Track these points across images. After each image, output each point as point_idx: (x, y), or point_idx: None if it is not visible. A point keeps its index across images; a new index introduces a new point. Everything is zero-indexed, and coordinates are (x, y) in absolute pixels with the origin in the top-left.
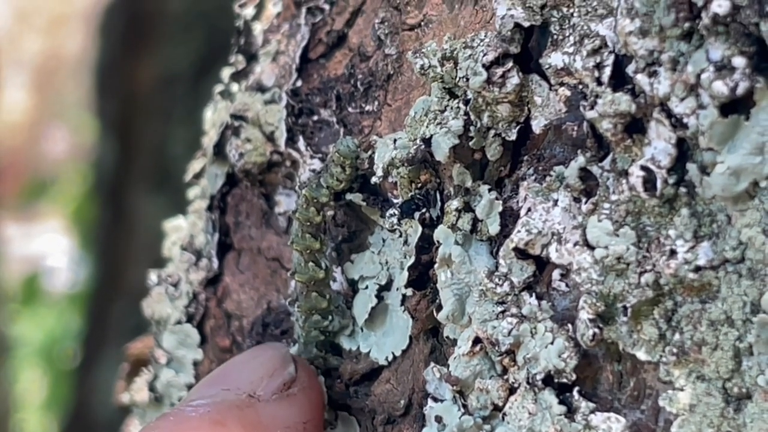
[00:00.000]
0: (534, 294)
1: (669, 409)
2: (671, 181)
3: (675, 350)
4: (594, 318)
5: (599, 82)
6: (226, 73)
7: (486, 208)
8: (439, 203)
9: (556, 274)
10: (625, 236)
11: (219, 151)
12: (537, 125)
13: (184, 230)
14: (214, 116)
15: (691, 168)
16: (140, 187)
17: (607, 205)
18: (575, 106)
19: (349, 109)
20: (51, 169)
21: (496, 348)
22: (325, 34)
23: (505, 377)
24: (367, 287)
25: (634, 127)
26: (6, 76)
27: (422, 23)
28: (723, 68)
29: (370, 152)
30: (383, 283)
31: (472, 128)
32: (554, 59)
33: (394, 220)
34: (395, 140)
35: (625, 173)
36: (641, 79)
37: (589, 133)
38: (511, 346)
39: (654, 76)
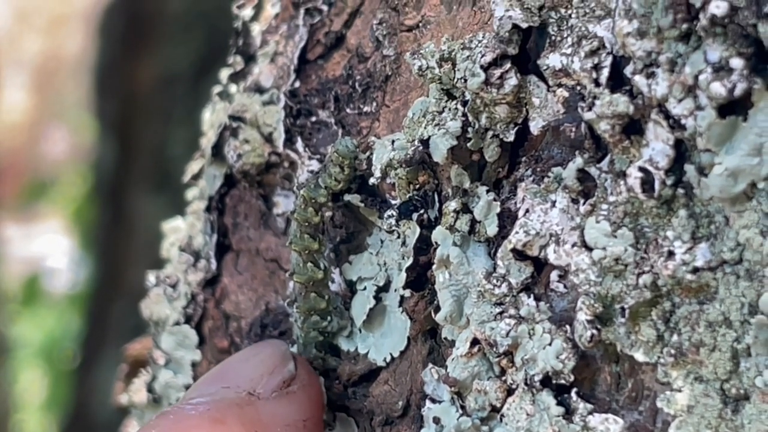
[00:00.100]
0: (532, 295)
1: (667, 410)
2: (669, 182)
3: (673, 351)
4: (592, 319)
5: (597, 84)
6: (224, 74)
7: (484, 209)
8: (437, 204)
9: (554, 275)
10: (623, 237)
11: (217, 152)
12: (535, 126)
13: (182, 231)
14: (212, 117)
15: (689, 169)
16: (140, 188)
17: (605, 206)
18: (573, 107)
19: (348, 110)
20: (51, 170)
21: (494, 349)
22: (323, 35)
23: (503, 378)
24: (365, 288)
25: (632, 128)
26: (6, 77)
27: (420, 24)
28: (721, 69)
29: (368, 153)
30: (381, 284)
31: (470, 129)
32: (552, 60)
33: (392, 221)
34: (393, 141)
35: (623, 174)
36: (639, 80)
37: (587, 134)
38: (509, 347)
39: (652, 77)
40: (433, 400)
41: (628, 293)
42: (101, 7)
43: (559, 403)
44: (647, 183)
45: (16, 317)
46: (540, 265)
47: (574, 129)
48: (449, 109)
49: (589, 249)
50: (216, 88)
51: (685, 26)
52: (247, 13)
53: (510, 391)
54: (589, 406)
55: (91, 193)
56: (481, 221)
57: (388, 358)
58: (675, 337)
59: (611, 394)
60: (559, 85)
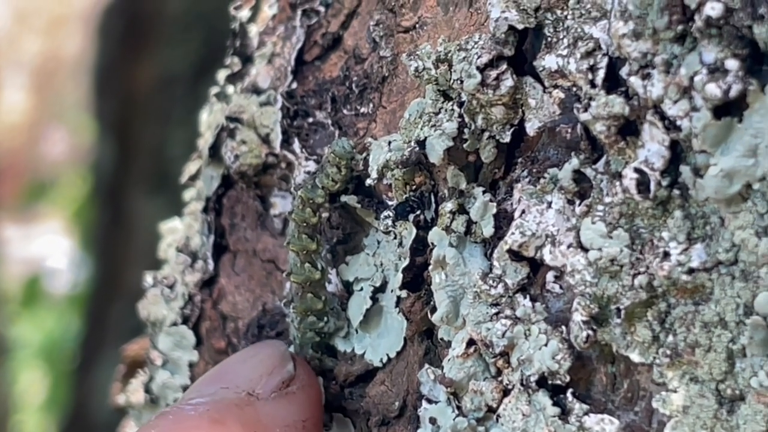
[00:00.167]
0: (528, 296)
1: (662, 411)
2: (665, 183)
3: (668, 352)
4: (588, 320)
5: (593, 85)
6: (221, 75)
7: (480, 210)
8: (433, 205)
9: (550, 276)
10: (618, 238)
11: (214, 153)
12: (531, 127)
13: (179, 232)
14: (209, 118)
15: (685, 170)
16: (139, 189)
17: (600, 207)
18: (569, 108)
19: (344, 111)
20: (50, 171)
21: (490, 350)
22: (320, 36)
23: (499, 379)
24: (362, 289)
25: (628, 129)
26: (5, 77)
27: (417, 25)
28: (716, 71)
29: (364, 154)
30: (378, 284)
31: (466, 130)
32: (548, 62)
33: (389, 222)
34: (390, 142)
35: (618, 175)
36: (635, 81)
37: (583, 136)
38: (505, 347)
39: (647, 78)
40: (430, 401)
41: (624, 294)
42: (100, 8)
43: (555, 404)
44: (643, 184)
45: (15, 318)
46: (536, 266)
47: (570, 130)
48: (445, 110)
49: (585, 250)
50: (213, 89)
51: (680, 28)
52: (245, 14)
53: (506, 392)
54: (585, 407)
55: (90, 194)
56: (477, 222)
57: (385, 359)
58: (670, 338)
59: (607, 395)
60: (555, 87)
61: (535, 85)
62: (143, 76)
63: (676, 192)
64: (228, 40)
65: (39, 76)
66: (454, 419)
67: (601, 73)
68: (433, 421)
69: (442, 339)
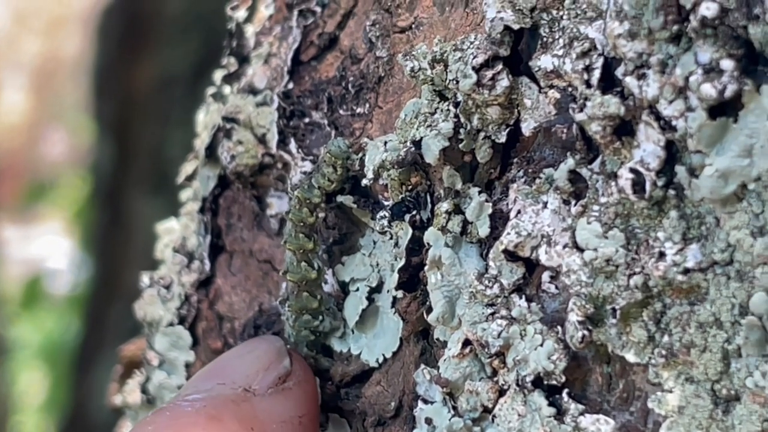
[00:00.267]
0: (523, 296)
1: (658, 411)
2: (660, 183)
3: (664, 352)
4: (583, 320)
5: (588, 85)
6: (218, 75)
7: (476, 210)
8: (429, 205)
9: (545, 276)
10: (614, 238)
11: (211, 153)
12: (527, 128)
13: (176, 232)
14: (206, 118)
15: (680, 170)
16: (138, 189)
17: (596, 208)
18: (565, 108)
19: (341, 112)
20: (50, 171)
21: (486, 350)
22: (316, 37)
23: (495, 379)
24: (358, 289)
25: (623, 129)
26: (5, 78)
27: (413, 26)
28: (711, 71)
29: (360, 154)
30: (374, 285)
31: (462, 131)
32: (544, 62)
33: (385, 222)
34: (386, 142)
35: (614, 175)
36: (630, 81)
37: (579, 136)
38: (501, 348)
39: (643, 78)
40: (425, 401)
41: (619, 294)
42: (99, 8)
43: (550, 404)
44: (638, 184)
45: (15, 318)
46: (531, 266)
47: (565, 130)
48: (441, 111)
49: (581, 250)
50: (210, 90)
51: (675, 28)
52: (241, 14)
53: (502, 392)
54: (581, 407)
55: (90, 195)
56: (473, 222)
57: (381, 359)
58: (666, 338)
59: (602, 395)
60: (551, 87)
61: (530, 85)
62: (142, 77)
63: (671, 192)
64: (224, 41)
65: (38, 76)
66: (449, 419)
67: (596, 74)
68: (428, 421)
69: (437, 339)
